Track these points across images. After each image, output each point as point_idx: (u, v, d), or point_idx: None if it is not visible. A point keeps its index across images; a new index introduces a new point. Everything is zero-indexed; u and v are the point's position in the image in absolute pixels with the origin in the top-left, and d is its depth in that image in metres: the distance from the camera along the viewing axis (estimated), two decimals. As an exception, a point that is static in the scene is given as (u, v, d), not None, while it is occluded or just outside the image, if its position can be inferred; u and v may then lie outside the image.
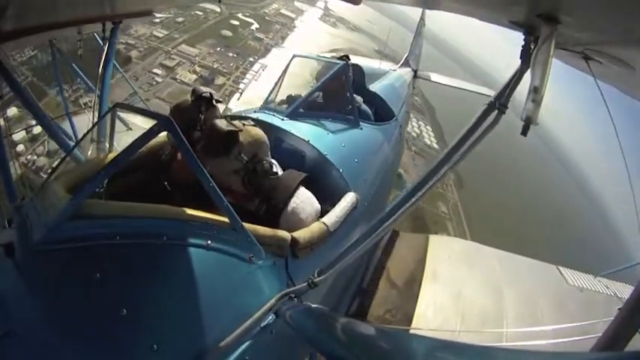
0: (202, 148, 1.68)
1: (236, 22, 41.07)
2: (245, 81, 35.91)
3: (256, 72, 37.53)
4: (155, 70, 31.22)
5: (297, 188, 1.93)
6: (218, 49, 37.44)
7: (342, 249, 1.69)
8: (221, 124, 1.73)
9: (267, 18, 46.54)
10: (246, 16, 42.52)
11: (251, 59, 38.93)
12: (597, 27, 1.20)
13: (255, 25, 43.35)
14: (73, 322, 1.13)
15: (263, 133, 1.87)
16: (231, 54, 38.00)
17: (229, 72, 36.03)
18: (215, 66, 35.79)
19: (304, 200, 1.92)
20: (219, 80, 34.54)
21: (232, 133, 1.70)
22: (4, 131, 3.79)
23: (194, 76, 33.18)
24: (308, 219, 1.89)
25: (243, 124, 1.81)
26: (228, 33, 39.72)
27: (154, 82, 30.24)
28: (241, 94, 33.39)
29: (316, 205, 1.97)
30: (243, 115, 2.61)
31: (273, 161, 2.04)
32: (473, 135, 1.59)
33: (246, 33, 41.76)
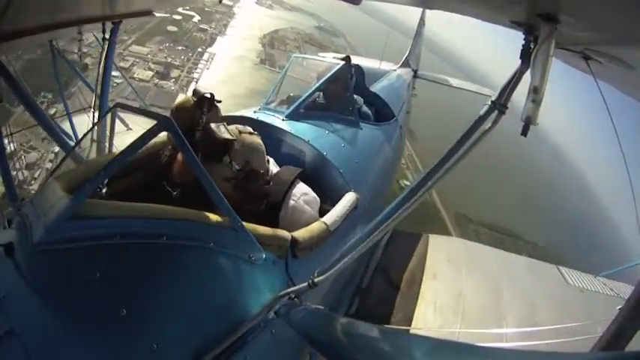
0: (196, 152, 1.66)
1: (179, 17, 42.58)
2: (198, 70, 37.77)
3: (206, 61, 39.63)
4: (113, 73, 31.37)
5: (293, 182, 1.93)
6: (167, 44, 39.17)
7: (342, 249, 1.69)
8: (217, 130, 1.72)
9: (206, 9, 48.10)
10: (186, 9, 43.99)
11: (199, 50, 40.74)
12: (597, 27, 1.20)
13: (197, 17, 45.08)
14: (72, 322, 1.13)
15: (259, 140, 1.86)
16: (180, 47, 39.77)
17: (182, 64, 37.69)
18: (168, 60, 37.37)
19: (302, 194, 1.92)
20: (174, 73, 36.09)
21: (226, 140, 1.69)
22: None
23: (150, 73, 34.43)
24: (307, 212, 1.89)
25: (240, 132, 1.81)
26: (174, 28, 41.25)
27: (114, 84, 31.59)
28: (197, 82, 35.07)
29: (315, 197, 1.97)
30: (243, 116, 2.60)
31: (271, 159, 2.04)
32: (473, 135, 1.59)
33: (190, 26, 43.54)
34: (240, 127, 1.86)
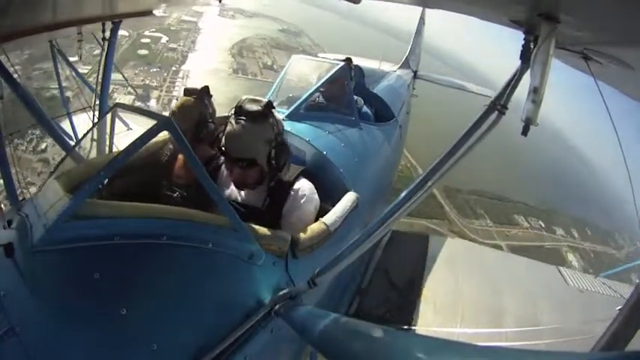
0: (239, 119, 1.71)
1: (147, 40, 43.91)
2: (177, 89, 38.87)
3: (183, 78, 40.99)
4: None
5: (297, 178, 1.94)
6: (141, 68, 40.13)
7: (342, 249, 1.69)
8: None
9: (172, 28, 49.75)
10: (153, 32, 45.68)
11: (173, 68, 42.10)
12: (597, 27, 1.20)
13: (165, 38, 46.54)
14: (72, 322, 1.13)
15: None
16: (154, 69, 40.87)
17: (160, 85, 38.84)
18: (146, 82, 38.34)
19: (305, 191, 1.93)
20: (154, 94, 37.16)
21: (270, 103, 1.76)
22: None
23: (131, 97, 35.75)
24: (309, 210, 1.90)
25: None
26: (144, 51, 42.44)
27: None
28: (177, 100, 36.06)
29: (316, 197, 1.98)
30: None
31: None
32: (472, 135, 1.59)
33: (160, 47, 44.82)
34: None
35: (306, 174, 2.03)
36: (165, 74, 40.21)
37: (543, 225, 34.43)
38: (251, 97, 1.80)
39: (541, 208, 36.50)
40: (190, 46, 47.68)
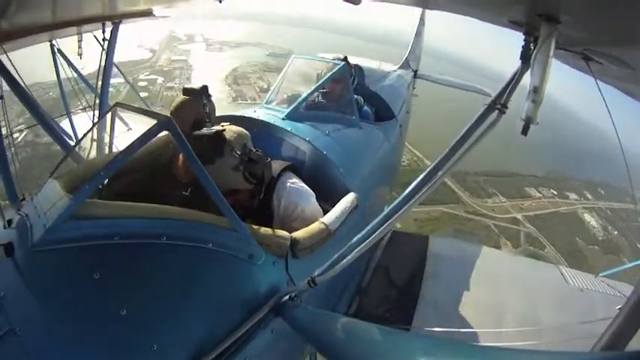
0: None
1: (144, 83, 45.52)
2: None
3: None
4: (106, 145, 34.21)
5: (282, 173, 1.95)
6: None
7: (342, 249, 1.69)
8: (202, 132, 1.73)
9: (165, 69, 51.71)
10: (147, 75, 47.78)
11: None
12: (597, 27, 1.20)
13: (160, 79, 48.26)
14: (72, 322, 1.13)
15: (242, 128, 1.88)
16: (158, 108, 42.38)
17: None
18: None
19: (291, 182, 1.93)
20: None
21: (218, 133, 1.70)
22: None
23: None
24: (298, 201, 1.90)
25: (222, 125, 1.82)
26: (144, 94, 43.48)
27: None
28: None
29: (305, 187, 1.98)
30: (243, 115, 2.61)
31: None
32: (472, 135, 1.59)
33: (158, 87, 46.43)
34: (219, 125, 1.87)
35: (304, 174, 2.03)
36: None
37: (555, 192, 35.16)
38: (199, 132, 1.72)
39: (550, 177, 37.30)
40: (186, 82, 48.97)
